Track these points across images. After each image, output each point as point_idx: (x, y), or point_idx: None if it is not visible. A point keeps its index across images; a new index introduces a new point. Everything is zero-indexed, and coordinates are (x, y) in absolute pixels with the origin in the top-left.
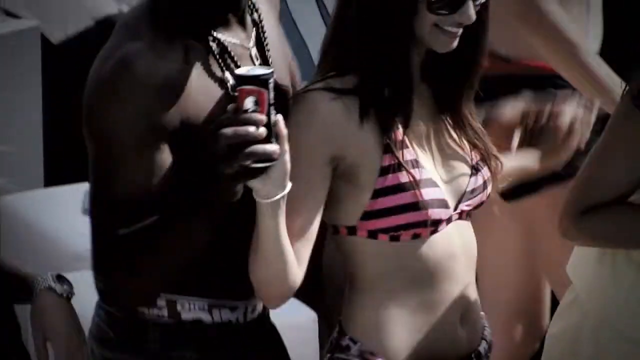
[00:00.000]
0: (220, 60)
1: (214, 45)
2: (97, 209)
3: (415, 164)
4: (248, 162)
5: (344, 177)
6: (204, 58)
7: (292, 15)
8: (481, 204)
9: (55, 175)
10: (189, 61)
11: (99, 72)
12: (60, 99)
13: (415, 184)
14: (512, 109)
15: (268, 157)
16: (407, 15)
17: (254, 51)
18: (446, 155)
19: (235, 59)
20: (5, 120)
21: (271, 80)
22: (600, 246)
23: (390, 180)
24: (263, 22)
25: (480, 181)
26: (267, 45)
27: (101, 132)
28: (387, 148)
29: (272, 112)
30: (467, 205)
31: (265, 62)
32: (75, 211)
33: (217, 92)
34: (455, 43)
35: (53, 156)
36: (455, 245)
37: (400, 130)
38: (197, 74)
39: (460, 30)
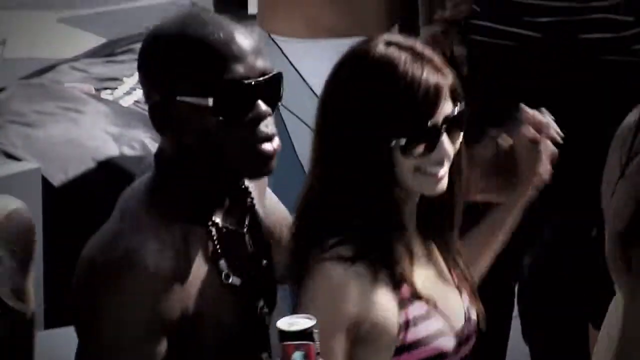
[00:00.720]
0: (218, 246)
1: (213, 229)
2: None
3: (428, 315)
4: None
5: (364, 341)
6: (203, 243)
7: (292, 143)
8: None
9: (55, 317)
10: (188, 248)
11: (103, 262)
12: (61, 241)
13: (431, 337)
14: (485, 143)
15: None
16: (385, 166)
17: (247, 237)
18: (447, 302)
19: (231, 246)
20: None
21: (316, 330)
22: None
23: (410, 336)
24: (256, 207)
25: (472, 328)
26: (259, 231)
27: (104, 324)
28: (402, 304)
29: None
30: (465, 353)
31: (258, 246)
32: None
33: (212, 279)
34: (444, 184)
35: (53, 297)
36: None
37: (409, 283)
38: (196, 261)
39: (443, 170)
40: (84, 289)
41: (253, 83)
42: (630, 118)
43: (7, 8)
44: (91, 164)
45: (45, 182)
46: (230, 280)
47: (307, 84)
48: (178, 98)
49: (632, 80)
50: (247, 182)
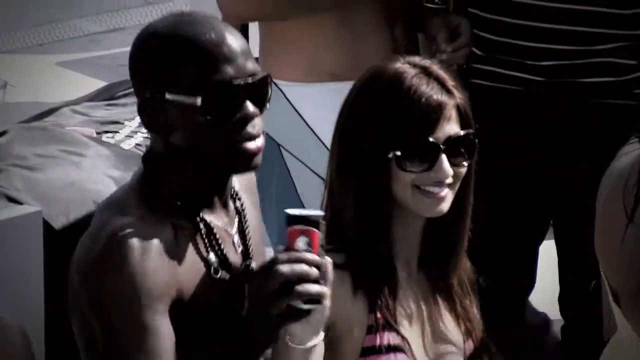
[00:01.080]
0: (206, 241)
1: (201, 225)
2: None
3: (395, 349)
4: (297, 302)
5: (327, 346)
6: (191, 237)
7: (295, 185)
8: None
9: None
10: (177, 239)
11: (91, 251)
12: (62, 284)
13: None
14: None
15: (317, 298)
16: (381, 178)
17: (236, 238)
18: (438, 343)
19: (220, 242)
20: (7, 305)
21: (322, 222)
22: None
23: None
24: (245, 212)
25: None
26: (248, 233)
27: (105, 307)
28: (371, 329)
29: (322, 253)
30: None
31: (246, 250)
32: None
33: (202, 271)
34: (444, 206)
35: (55, 341)
36: None
37: (389, 312)
38: (186, 250)
39: (444, 191)
40: (83, 281)
41: (242, 84)
42: (619, 163)
43: (6, 52)
44: (92, 207)
45: (47, 225)
46: (219, 275)
47: (309, 127)
48: (167, 96)
49: (634, 123)
50: (237, 187)
